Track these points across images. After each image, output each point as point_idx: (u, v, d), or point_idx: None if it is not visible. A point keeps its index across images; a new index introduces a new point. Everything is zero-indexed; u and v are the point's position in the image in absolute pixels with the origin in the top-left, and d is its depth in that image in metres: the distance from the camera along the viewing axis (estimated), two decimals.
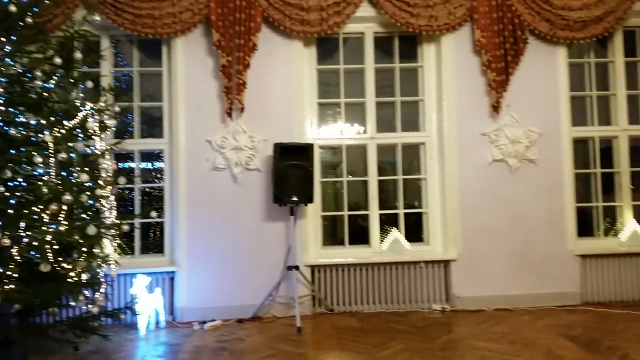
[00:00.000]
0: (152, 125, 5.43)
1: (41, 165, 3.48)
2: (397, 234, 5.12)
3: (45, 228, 3.34)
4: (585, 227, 5.25)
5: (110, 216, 4.05)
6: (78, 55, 4.03)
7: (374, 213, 5.18)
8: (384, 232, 5.20)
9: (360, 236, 5.27)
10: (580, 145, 5.35)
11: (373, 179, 5.20)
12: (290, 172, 4.59)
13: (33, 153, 3.43)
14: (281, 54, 4.97)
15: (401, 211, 5.25)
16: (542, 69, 5.07)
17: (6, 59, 3.63)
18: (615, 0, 4.96)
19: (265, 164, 4.89)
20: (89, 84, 4.08)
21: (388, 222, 5.27)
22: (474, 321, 4.43)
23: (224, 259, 4.81)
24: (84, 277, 3.74)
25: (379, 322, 4.50)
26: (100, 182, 3.97)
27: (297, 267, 4.71)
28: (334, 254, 5.09)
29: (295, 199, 4.59)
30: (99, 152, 4.05)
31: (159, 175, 6.03)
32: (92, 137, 4.02)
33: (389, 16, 4.90)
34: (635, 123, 5.37)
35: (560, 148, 5.05)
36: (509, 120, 5.01)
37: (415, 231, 5.31)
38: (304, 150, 4.69)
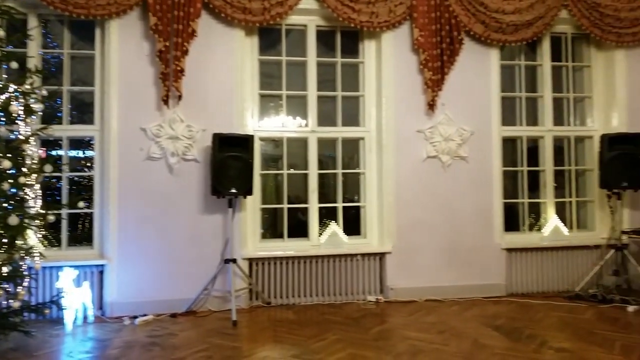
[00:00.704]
0: (83, 111, 5.17)
1: None
2: (335, 228, 5.18)
3: None
4: (511, 222, 5.54)
5: (35, 206, 3.85)
6: (1, 33, 3.77)
7: (313, 206, 5.21)
8: (324, 225, 5.24)
9: (300, 229, 5.30)
10: (509, 144, 5.63)
11: (313, 172, 5.22)
12: (229, 163, 4.52)
13: None
14: (222, 43, 4.87)
15: (340, 205, 5.31)
16: (476, 70, 5.27)
17: None
18: (544, 7, 5.23)
19: (203, 154, 4.78)
20: (14, 64, 3.82)
21: (329, 216, 5.33)
22: (406, 312, 4.58)
23: (158, 252, 4.67)
24: (5, 270, 3.54)
25: (315, 314, 4.55)
26: (24, 169, 3.76)
27: (234, 260, 4.66)
28: (273, 247, 5.08)
29: (234, 191, 4.53)
30: (24, 138, 3.82)
31: (88, 164, 5.76)
32: (16, 121, 3.79)
33: (331, 10, 4.92)
34: (560, 124, 5.72)
35: (490, 146, 5.29)
36: (443, 119, 5.18)
37: (354, 225, 5.40)
38: (244, 142, 4.63)
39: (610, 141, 5.11)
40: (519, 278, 5.29)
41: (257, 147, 5.06)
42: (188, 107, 4.78)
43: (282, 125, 5.38)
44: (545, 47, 5.62)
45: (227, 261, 4.63)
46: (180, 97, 4.72)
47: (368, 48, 5.32)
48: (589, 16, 5.33)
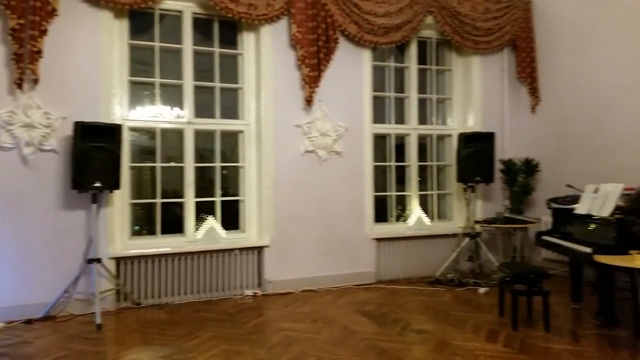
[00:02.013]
0: None
1: None
2: (212, 222, 5.07)
3: None
4: (381, 213, 5.89)
5: None
6: None
7: (190, 201, 5.04)
8: (202, 220, 5.10)
9: (179, 225, 5.09)
10: (379, 141, 5.96)
11: (189, 165, 5.05)
12: (93, 154, 4.19)
13: None
14: (87, 24, 4.48)
15: (218, 199, 5.21)
16: (350, 69, 5.49)
17: None
18: (412, 12, 5.60)
19: (63, 144, 4.37)
20: None
21: (208, 211, 5.19)
22: (282, 304, 4.65)
23: (10, 252, 4.19)
24: None
25: (189, 312, 4.42)
26: None
27: (99, 260, 4.33)
28: (145, 245, 4.82)
29: (98, 184, 4.21)
30: None
31: None
32: None
33: None
34: (424, 123, 6.18)
35: (363, 142, 5.56)
36: (320, 114, 5.32)
37: (234, 219, 5.33)
38: (110, 132, 4.32)
39: (466, 139, 5.65)
40: (387, 266, 5.64)
41: (126, 137, 4.75)
42: (46, 92, 4.33)
43: (156, 115, 5.10)
44: (413, 50, 6.03)
45: (90, 261, 4.29)
46: (36, 81, 4.25)
47: (247, 40, 5.26)
48: (451, 23, 5.82)
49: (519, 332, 3.70)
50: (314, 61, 5.20)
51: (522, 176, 5.94)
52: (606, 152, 5.27)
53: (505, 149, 6.10)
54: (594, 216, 3.81)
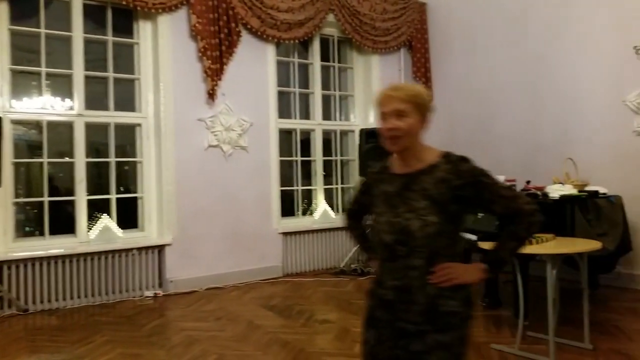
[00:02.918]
0: None
1: None
2: (107, 221, 4.80)
3: None
4: (287, 207, 5.93)
5: None
6: None
7: (82, 199, 4.73)
8: (97, 219, 4.80)
9: (70, 225, 4.75)
10: (285, 136, 6.00)
11: (80, 160, 4.73)
12: None
13: None
14: None
15: (113, 196, 4.93)
16: (254, 63, 5.45)
17: None
18: (314, 9, 5.69)
19: None
20: None
21: (105, 209, 4.90)
22: (185, 303, 4.53)
23: None
24: None
25: (83, 316, 4.16)
26: None
27: None
28: (32, 247, 4.45)
29: None
30: None
31: None
32: None
33: None
34: (328, 119, 6.32)
35: (268, 137, 5.56)
36: (224, 108, 5.24)
37: (132, 217, 5.08)
38: None
39: (367, 135, 5.85)
40: (294, 259, 5.70)
41: (8, 131, 4.35)
42: None
43: (43, 107, 4.71)
44: (316, 47, 6.13)
45: None
46: None
47: (144, 29, 5.03)
48: (351, 22, 5.99)
49: None
50: (215, 53, 5.09)
51: None
52: (493, 147, 5.74)
53: None
54: None
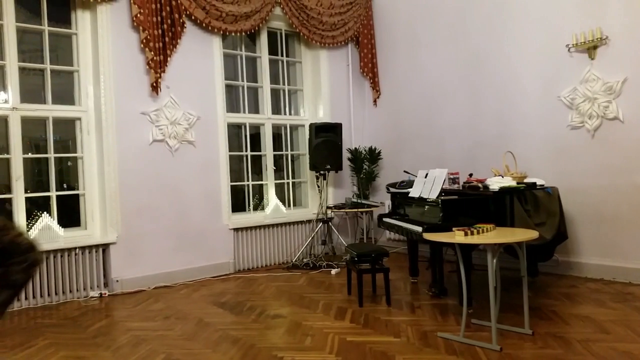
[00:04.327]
0: None
1: None
2: (48, 220, 4.58)
3: None
4: (238, 203, 5.88)
5: None
6: None
7: (20, 197, 4.49)
8: (36, 218, 4.57)
9: None
10: (234, 130, 5.92)
11: (17, 157, 4.49)
12: None
13: None
14: None
15: (54, 194, 4.71)
16: (200, 55, 5.34)
17: None
18: (260, 2, 5.63)
19: None
20: None
21: (43, 207, 4.67)
22: (132, 303, 4.40)
23: None
24: None
25: (24, 320, 3.96)
26: None
27: None
28: None
29: None
30: None
31: None
32: None
33: None
34: (278, 113, 6.29)
35: (217, 131, 5.48)
36: (169, 102, 5.10)
37: (74, 215, 4.87)
38: None
39: (317, 129, 5.89)
40: (245, 255, 5.66)
41: None
42: None
43: None
44: (263, 40, 6.08)
45: None
46: None
47: (82, 19, 4.82)
48: (298, 16, 5.97)
49: (364, 307, 3.99)
50: (159, 45, 4.95)
51: (367, 164, 6.39)
52: (437, 140, 5.92)
53: (352, 139, 6.50)
54: (427, 198, 4.25)
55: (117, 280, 4.75)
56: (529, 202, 4.00)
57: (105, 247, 4.76)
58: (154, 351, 3.19)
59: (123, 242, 4.81)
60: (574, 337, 3.15)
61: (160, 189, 5.06)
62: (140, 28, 4.83)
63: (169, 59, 5.04)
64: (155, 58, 4.91)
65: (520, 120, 5.14)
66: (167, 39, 4.98)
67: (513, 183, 4.01)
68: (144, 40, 4.85)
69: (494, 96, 5.38)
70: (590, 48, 4.59)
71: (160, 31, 4.93)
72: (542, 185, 4.21)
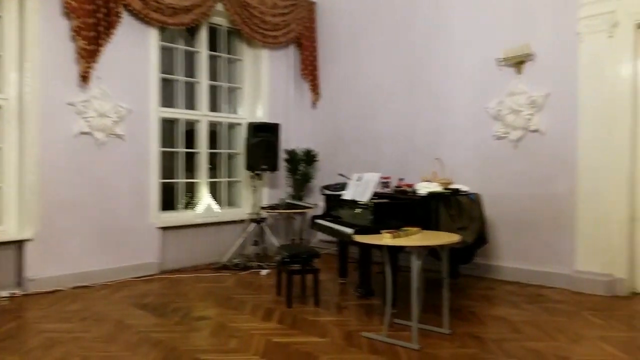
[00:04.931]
0: None
1: None
2: None
3: None
4: (168, 201, 5.70)
5: None
6: None
7: None
8: None
9: None
10: (168, 125, 5.75)
11: None
12: None
13: None
14: None
15: None
16: (135, 47, 5.15)
17: None
18: None
19: None
20: None
21: None
22: (47, 303, 4.15)
23: None
24: None
25: None
26: None
27: None
28: None
29: None
30: None
31: None
32: None
33: None
34: (215, 110, 6.17)
35: (148, 126, 5.28)
36: (98, 93, 4.87)
37: None
38: None
39: (255, 129, 5.84)
40: (173, 255, 5.49)
41: None
42: None
43: None
44: (204, 35, 5.95)
45: None
46: None
47: (8, 1, 4.50)
48: (240, 14, 5.90)
49: (292, 308, 3.99)
50: (92, 34, 4.72)
51: (303, 165, 6.42)
52: (374, 145, 6.04)
53: (290, 140, 6.49)
54: (359, 201, 4.31)
55: (32, 280, 4.46)
56: (453, 207, 4.16)
57: (20, 243, 4.46)
58: (68, 354, 3.03)
59: (41, 239, 4.53)
60: (489, 336, 3.30)
61: (84, 184, 4.81)
62: (73, 15, 4.58)
63: (101, 48, 4.81)
64: (86, 47, 4.68)
65: (452, 129, 5.35)
66: (101, 28, 4.76)
67: (439, 189, 4.16)
68: (76, 28, 4.60)
69: (429, 105, 5.56)
70: (518, 63, 4.85)
71: (94, 20, 4.70)
72: (466, 191, 4.39)
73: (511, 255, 4.90)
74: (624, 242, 4.30)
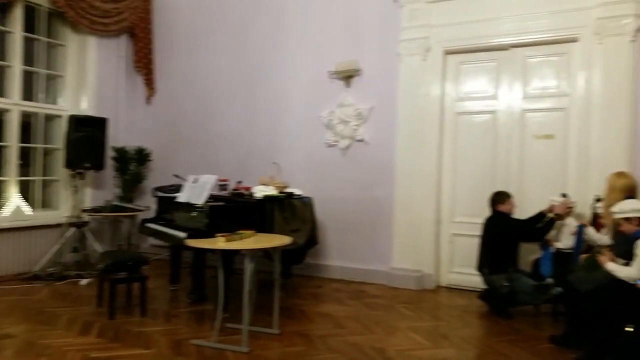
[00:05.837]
0: None
1: None
2: None
3: None
4: None
5: None
6: None
7: None
8: None
9: None
10: None
11: None
12: None
13: None
14: None
15: None
16: None
17: None
18: None
19: None
20: None
21: None
22: None
23: None
24: None
25: None
26: None
27: None
28: None
29: None
30: None
31: None
32: None
33: None
34: (30, 99, 5.45)
35: None
36: None
37: None
38: None
39: (77, 122, 5.31)
40: None
41: None
42: None
43: None
44: (18, 14, 5.22)
45: None
46: None
47: None
48: None
49: (115, 320, 3.69)
50: None
51: (134, 164, 6.02)
52: (212, 146, 5.93)
53: (119, 137, 6.03)
54: (194, 204, 4.18)
55: None
56: (287, 210, 4.29)
57: None
58: None
59: None
60: (315, 333, 3.48)
61: None
62: None
63: None
64: None
65: (287, 135, 5.52)
66: None
67: (275, 192, 4.26)
68: None
69: (266, 109, 5.66)
70: (347, 77, 5.22)
71: None
72: (299, 195, 4.57)
73: (338, 255, 5.24)
74: (431, 241, 4.91)
